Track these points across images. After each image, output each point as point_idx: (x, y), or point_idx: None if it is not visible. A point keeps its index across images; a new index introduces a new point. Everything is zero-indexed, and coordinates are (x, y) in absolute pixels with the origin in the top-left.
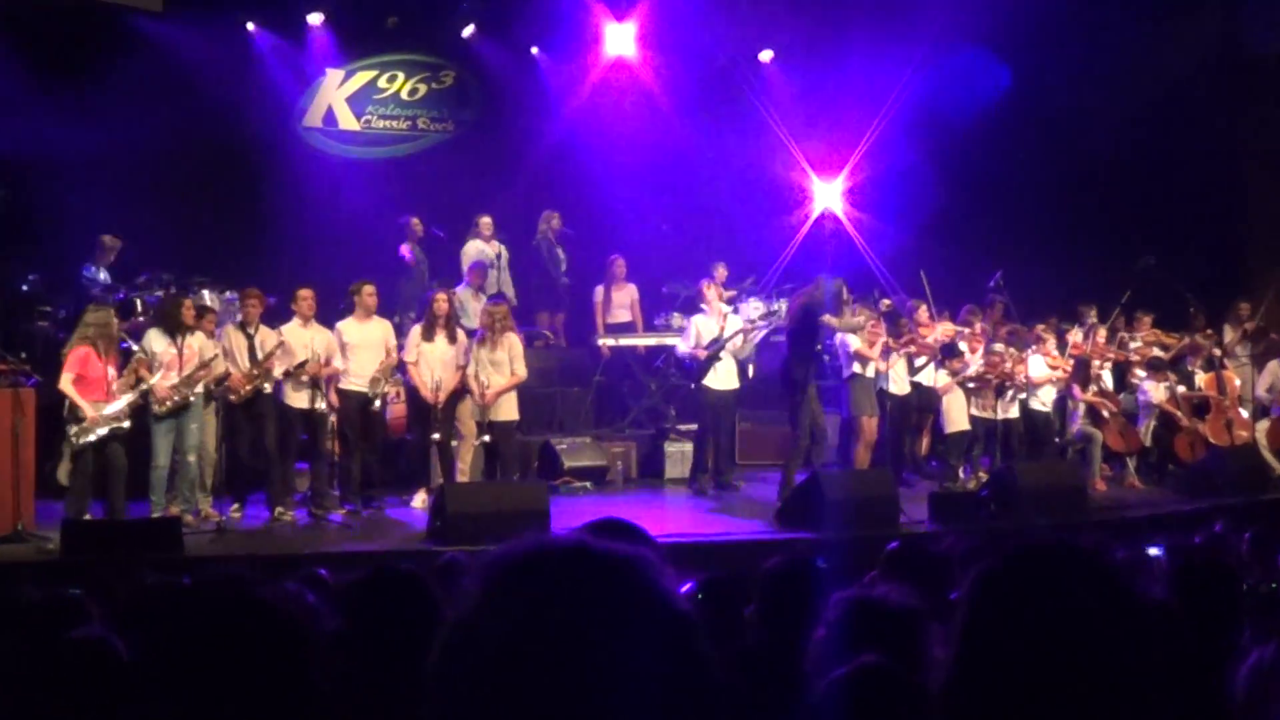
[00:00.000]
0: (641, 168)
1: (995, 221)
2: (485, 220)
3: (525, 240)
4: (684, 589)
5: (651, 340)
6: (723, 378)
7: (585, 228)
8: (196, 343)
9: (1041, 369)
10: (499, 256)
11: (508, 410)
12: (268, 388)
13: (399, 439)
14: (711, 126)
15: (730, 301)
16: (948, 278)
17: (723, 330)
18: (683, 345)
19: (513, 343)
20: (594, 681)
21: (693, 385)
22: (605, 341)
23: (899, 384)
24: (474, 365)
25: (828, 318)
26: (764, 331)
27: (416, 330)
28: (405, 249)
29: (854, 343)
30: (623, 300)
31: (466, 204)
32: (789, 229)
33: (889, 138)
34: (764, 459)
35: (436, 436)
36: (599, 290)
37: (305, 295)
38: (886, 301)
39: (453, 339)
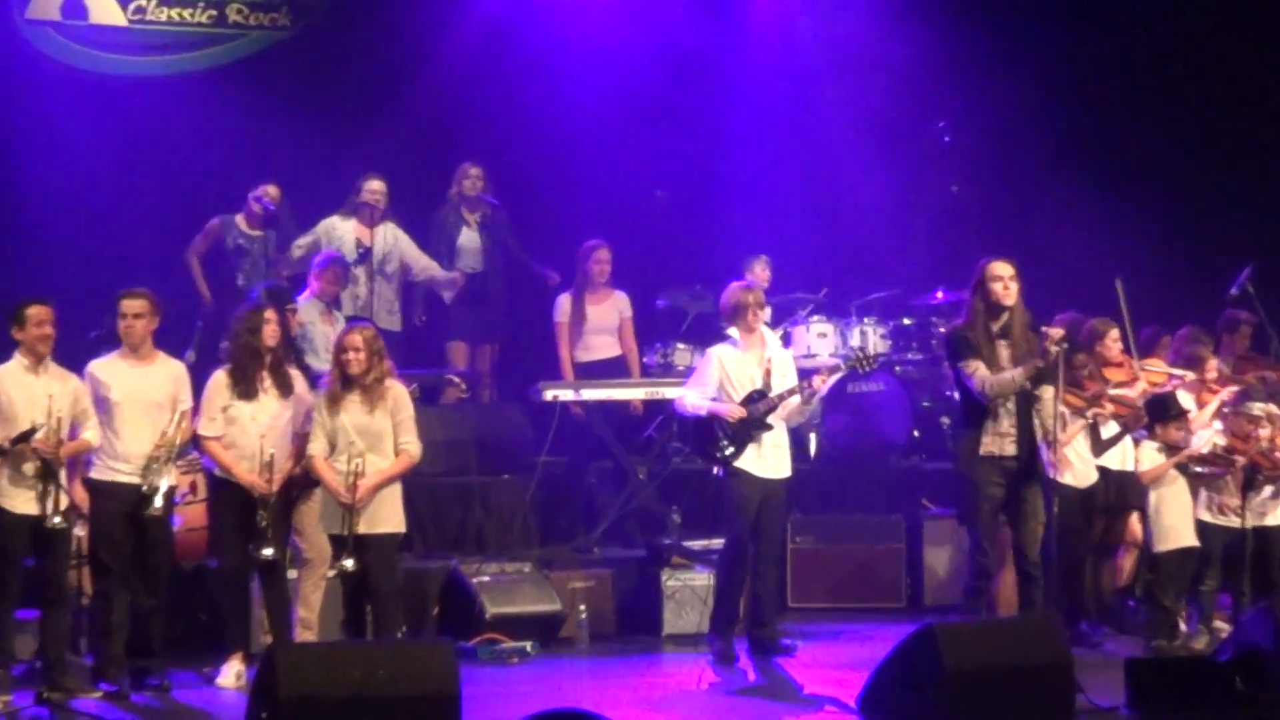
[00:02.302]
0: (620, 89)
1: (1236, 183)
2: (375, 185)
3: (423, 217)
4: None
5: (638, 392)
6: (768, 459)
7: (523, 195)
8: None
9: None
10: (367, 253)
11: (387, 516)
12: None
13: (195, 568)
14: (738, 6)
15: (777, 322)
16: (1153, 280)
17: (768, 374)
18: (692, 395)
19: (397, 397)
20: None
21: (715, 471)
22: (559, 394)
23: (1077, 468)
24: (324, 438)
25: (974, 369)
26: (835, 378)
27: (220, 379)
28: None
29: (991, 388)
30: (605, 319)
31: (314, 153)
32: (883, 191)
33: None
34: (834, 600)
35: (268, 552)
36: (562, 303)
37: (35, 315)
38: (1057, 333)
39: (285, 391)
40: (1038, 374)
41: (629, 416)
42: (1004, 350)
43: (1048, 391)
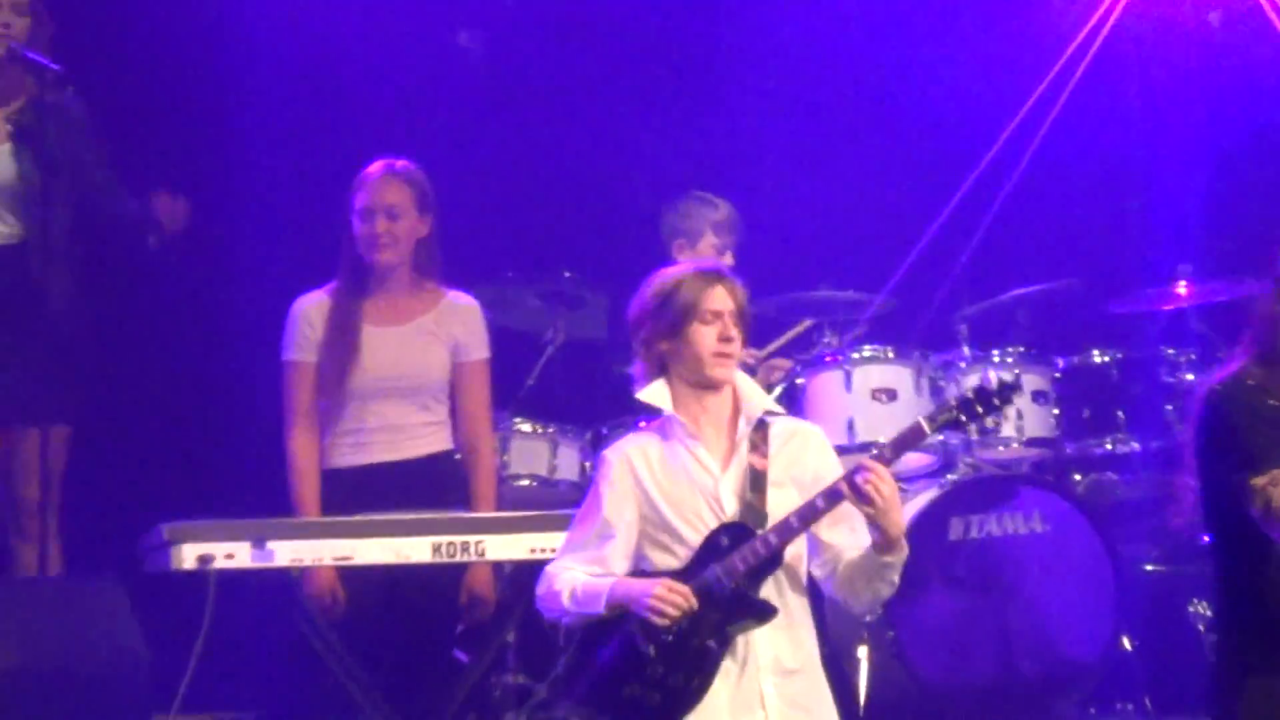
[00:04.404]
0: None
1: None
2: None
3: None
4: None
5: (415, 546)
6: (768, 700)
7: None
8: None
9: None
10: None
11: None
12: None
13: None
14: None
15: (775, 373)
16: None
17: (753, 479)
18: (570, 571)
19: None
20: None
21: None
22: (216, 554)
23: None
24: None
25: None
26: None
27: None
28: None
29: None
30: (409, 359)
31: None
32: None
33: None
34: None
35: None
36: (305, 317)
37: None
38: None
39: None
40: None
41: (437, 597)
42: None
43: None
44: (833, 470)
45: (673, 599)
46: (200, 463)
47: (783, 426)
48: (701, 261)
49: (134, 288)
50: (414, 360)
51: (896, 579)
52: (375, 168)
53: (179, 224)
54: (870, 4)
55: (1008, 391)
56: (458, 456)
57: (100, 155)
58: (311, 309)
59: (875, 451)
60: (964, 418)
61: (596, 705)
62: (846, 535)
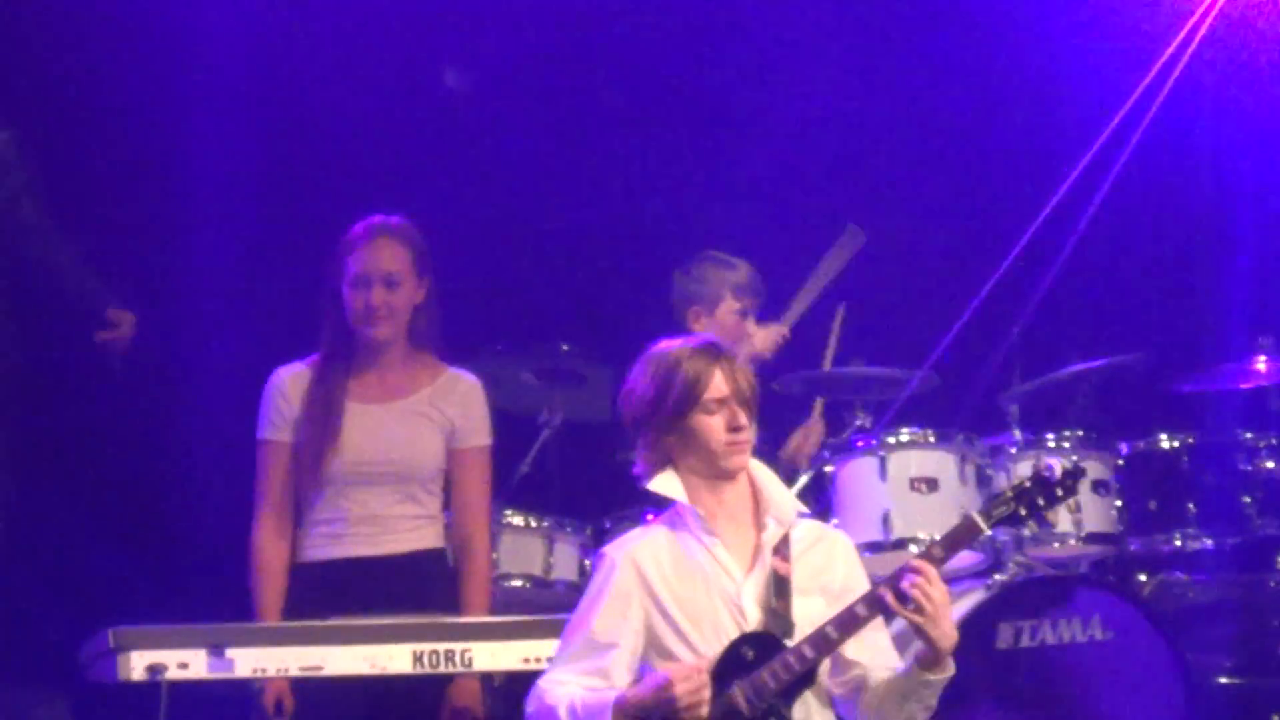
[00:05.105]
0: None
1: None
2: None
3: None
4: None
5: (395, 655)
6: None
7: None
8: None
9: None
10: None
11: None
12: None
13: None
14: None
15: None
16: None
17: (778, 584)
18: (565, 686)
19: None
20: None
21: None
22: (166, 662)
23: None
24: None
25: None
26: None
27: None
28: None
29: None
30: (399, 442)
31: None
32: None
33: None
34: None
35: None
36: (282, 389)
37: None
38: None
39: None
40: None
41: (418, 713)
42: None
43: None
44: (862, 583)
45: (697, 686)
46: (151, 559)
47: (805, 530)
48: (693, 339)
49: (71, 355)
50: (402, 443)
51: (935, 702)
52: (367, 227)
53: (124, 340)
54: (905, 44)
55: (1072, 479)
56: (449, 556)
57: (38, 204)
58: (289, 381)
59: (924, 550)
60: (1022, 510)
61: None
62: (872, 652)
